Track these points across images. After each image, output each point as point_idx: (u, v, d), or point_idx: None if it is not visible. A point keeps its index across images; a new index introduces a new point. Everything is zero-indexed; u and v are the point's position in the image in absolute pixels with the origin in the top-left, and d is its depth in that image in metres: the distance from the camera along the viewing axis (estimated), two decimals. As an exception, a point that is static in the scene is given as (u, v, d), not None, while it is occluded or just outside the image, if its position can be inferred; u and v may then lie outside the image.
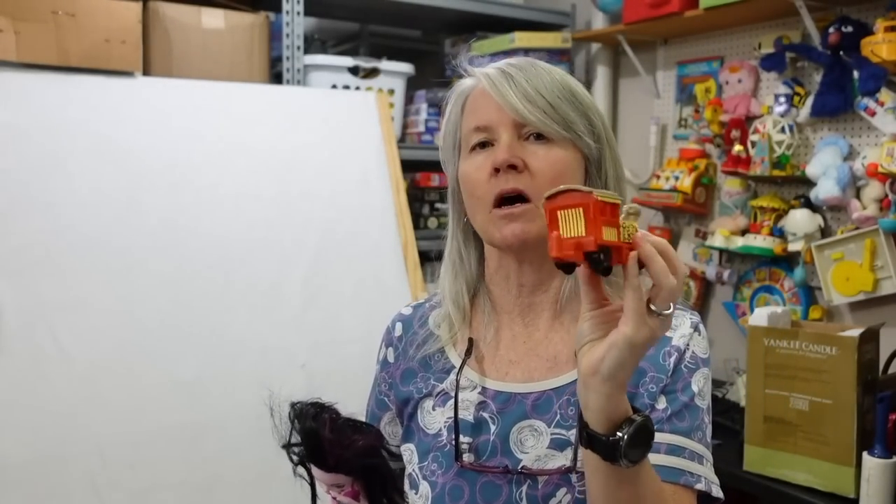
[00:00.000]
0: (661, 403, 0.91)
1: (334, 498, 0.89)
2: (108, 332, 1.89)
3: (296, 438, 0.86)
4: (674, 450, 0.89)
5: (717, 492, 0.91)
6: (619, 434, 0.73)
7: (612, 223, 0.70)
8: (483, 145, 0.96)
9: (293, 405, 0.87)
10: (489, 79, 0.96)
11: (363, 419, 1.02)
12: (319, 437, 0.84)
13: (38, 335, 1.82)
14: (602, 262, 0.70)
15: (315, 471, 0.88)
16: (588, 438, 0.76)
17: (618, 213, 0.70)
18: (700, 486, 0.89)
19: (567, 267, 0.74)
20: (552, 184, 0.92)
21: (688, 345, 0.95)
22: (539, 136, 0.94)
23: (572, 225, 0.70)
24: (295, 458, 0.87)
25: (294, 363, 2.07)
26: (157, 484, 1.85)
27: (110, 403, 1.84)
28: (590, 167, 0.98)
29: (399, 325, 1.09)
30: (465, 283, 1.03)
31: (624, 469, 0.75)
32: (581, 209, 0.70)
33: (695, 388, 0.93)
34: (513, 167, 0.92)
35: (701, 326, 0.98)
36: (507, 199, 0.93)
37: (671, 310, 0.71)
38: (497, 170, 0.92)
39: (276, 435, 0.87)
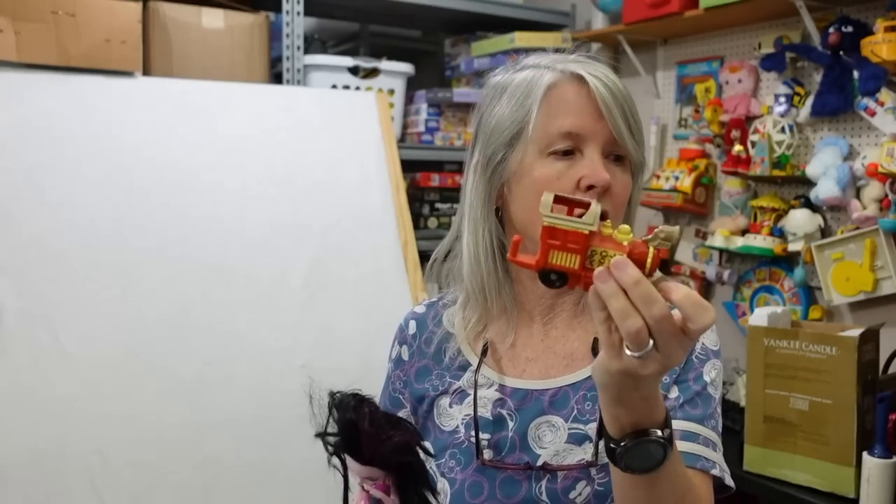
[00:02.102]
0: (674, 393, 0.92)
1: (366, 490, 0.90)
2: (108, 332, 1.89)
3: (332, 428, 0.87)
4: (688, 436, 0.89)
5: (730, 480, 0.92)
6: (621, 444, 0.72)
7: (569, 248, 0.68)
8: (565, 153, 0.93)
9: (332, 395, 0.87)
10: (594, 83, 0.92)
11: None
12: (357, 429, 0.85)
13: (38, 335, 1.82)
14: (554, 281, 0.70)
15: (349, 462, 0.88)
16: (600, 434, 0.77)
17: (582, 240, 0.68)
18: (715, 472, 0.89)
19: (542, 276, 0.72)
20: (622, 208, 0.95)
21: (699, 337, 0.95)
22: (616, 157, 0.94)
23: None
24: (330, 447, 0.87)
25: (294, 363, 2.07)
26: (157, 484, 1.84)
27: (110, 403, 1.84)
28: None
29: (413, 323, 1.09)
30: (489, 275, 1.01)
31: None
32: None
33: (706, 377, 0.94)
34: (606, 188, 0.92)
35: None
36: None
37: (643, 351, 0.66)
38: (590, 186, 0.90)
39: (313, 423, 0.87)
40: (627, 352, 0.66)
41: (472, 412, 0.97)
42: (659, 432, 0.72)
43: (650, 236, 0.68)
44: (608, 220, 0.70)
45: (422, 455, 0.90)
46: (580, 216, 0.69)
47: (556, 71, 0.95)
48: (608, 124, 0.91)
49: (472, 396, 0.98)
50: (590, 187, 0.90)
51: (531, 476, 0.93)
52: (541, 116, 0.94)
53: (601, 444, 0.89)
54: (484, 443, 0.95)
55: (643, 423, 0.72)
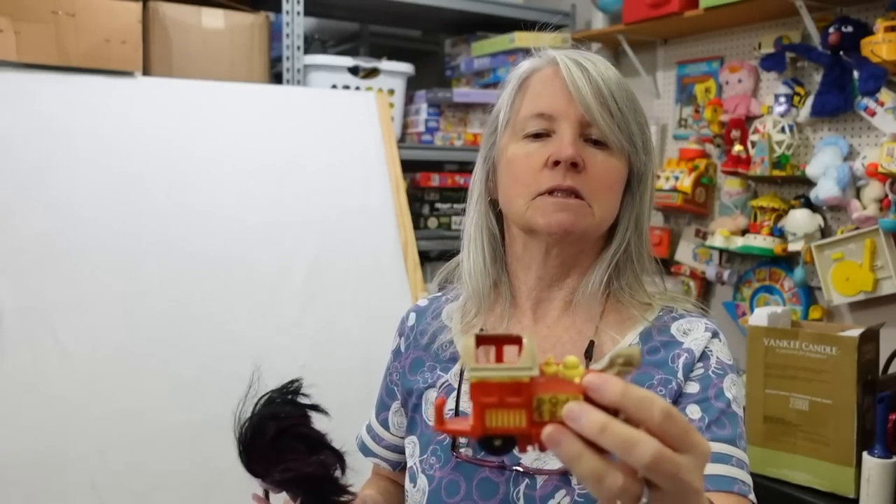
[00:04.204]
0: (695, 413, 0.88)
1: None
2: (109, 332, 1.89)
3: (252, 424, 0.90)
4: (720, 457, 0.85)
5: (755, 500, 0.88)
6: None
7: (510, 404, 0.53)
8: (538, 135, 0.92)
9: (266, 396, 0.89)
10: (566, 66, 0.91)
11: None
12: (254, 443, 0.88)
13: (38, 335, 1.82)
14: (498, 448, 0.55)
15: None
16: None
17: (523, 391, 0.53)
18: (752, 498, 0.85)
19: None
20: (607, 192, 0.91)
21: (710, 349, 0.92)
22: (597, 142, 0.91)
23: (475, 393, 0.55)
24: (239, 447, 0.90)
25: (294, 363, 2.06)
26: (157, 484, 1.84)
27: (110, 403, 1.84)
28: (633, 180, 0.96)
29: (413, 315, 1.09)
30: (487, 266, 1.00)
31: None
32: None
33: (728, 394, 0.89)
34: (574, 165, 0.89)
35: (721, 333, 0.95)
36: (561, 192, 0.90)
37: (643, 502, 0.52)
38: (556, 163, 0.89)
39: (237, 416, 0.91)
40: None
41: (455, 406, 0.96)
42: None
43: (607, 364, 0.54)
44: (550, 357, 0.56)
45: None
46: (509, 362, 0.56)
47: (541, 59, 0.96)
48: (579, 105, 0.90)
49: (457, 389, 0.97)
50: (556, 163, 0.89)
51: (509, 479, 0.90)
52: (517, 101, 0.96)
53: None
54: (465, 440, 0.94)
55: None
